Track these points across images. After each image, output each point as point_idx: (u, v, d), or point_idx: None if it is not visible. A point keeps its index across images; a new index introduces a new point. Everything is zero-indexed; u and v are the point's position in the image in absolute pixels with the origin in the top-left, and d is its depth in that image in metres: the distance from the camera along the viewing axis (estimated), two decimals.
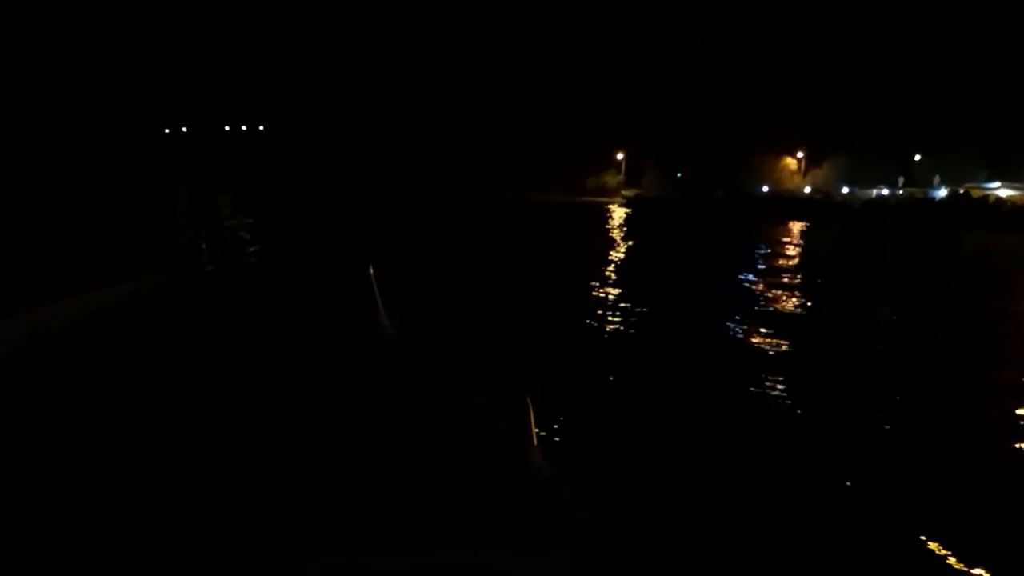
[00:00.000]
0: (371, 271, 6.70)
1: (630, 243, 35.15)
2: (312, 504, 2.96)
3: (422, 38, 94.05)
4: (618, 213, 63.21)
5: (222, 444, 3.62)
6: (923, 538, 5.47)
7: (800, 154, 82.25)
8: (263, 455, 3.46)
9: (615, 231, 41.91)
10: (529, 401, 3.33)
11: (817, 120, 79.11)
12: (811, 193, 74.52)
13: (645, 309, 15.46)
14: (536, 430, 3.34)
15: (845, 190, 73.11)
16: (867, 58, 78.84)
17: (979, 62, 73.05)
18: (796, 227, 47.68)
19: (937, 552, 5.28)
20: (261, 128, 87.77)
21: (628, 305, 15.80)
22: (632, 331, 13.39)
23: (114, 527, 2.78)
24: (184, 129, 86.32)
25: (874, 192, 72.43)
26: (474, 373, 4.60)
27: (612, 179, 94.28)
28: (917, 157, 75.02)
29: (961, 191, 62.35)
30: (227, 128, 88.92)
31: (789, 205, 64.04)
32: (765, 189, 79.22)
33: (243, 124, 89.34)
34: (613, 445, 7.23)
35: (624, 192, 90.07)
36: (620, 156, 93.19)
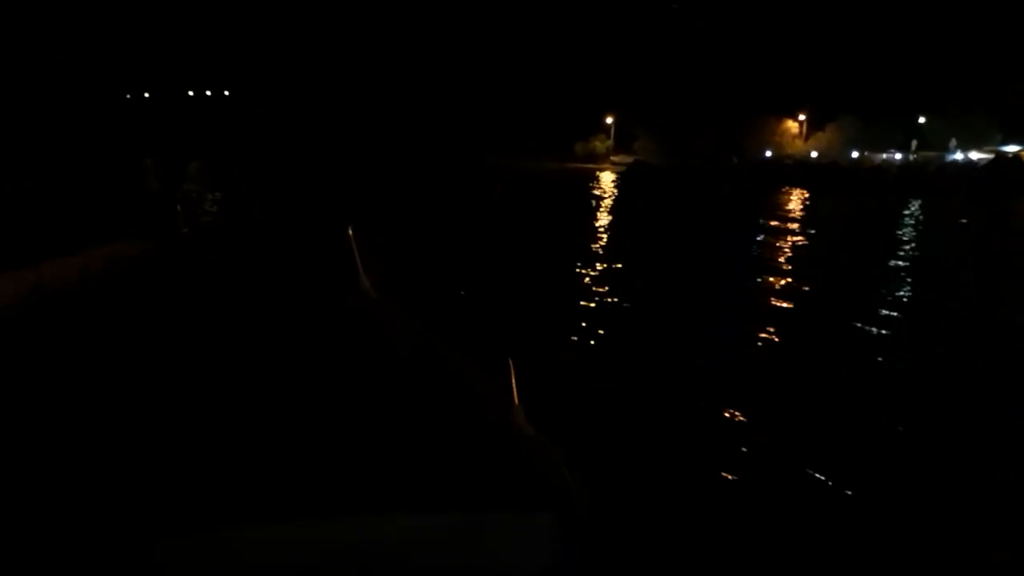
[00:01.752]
0: (350, 234, 6.42)
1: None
2: (290, 468, 2.97)
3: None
4: (608, 184, 58.37)
5: (204, 404, 3.60)
6: None
7: (802, 116, 78.20)
8: (249, 417, 3.45)
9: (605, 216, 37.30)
10: (511, 363, 3.24)
11: (820, 79, 75.20)
12: (817, 158, 70.78)
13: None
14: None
15: (854, 154, 69.59)
16: (873, 16, 74.88)
17: (990, 19, 69.66)
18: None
19: None
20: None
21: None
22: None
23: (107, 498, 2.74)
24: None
25: (883, 156, 69.10)
26: (456, 340, 4.34)
27: (600, 144, 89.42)
28: (921, 120, 71.84)
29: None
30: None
31: (804, 171, 59.71)
32: (768, 154, 75.32)
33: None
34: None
35: (614, 158, 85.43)
36: (609, 120, 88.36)
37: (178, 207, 10.03)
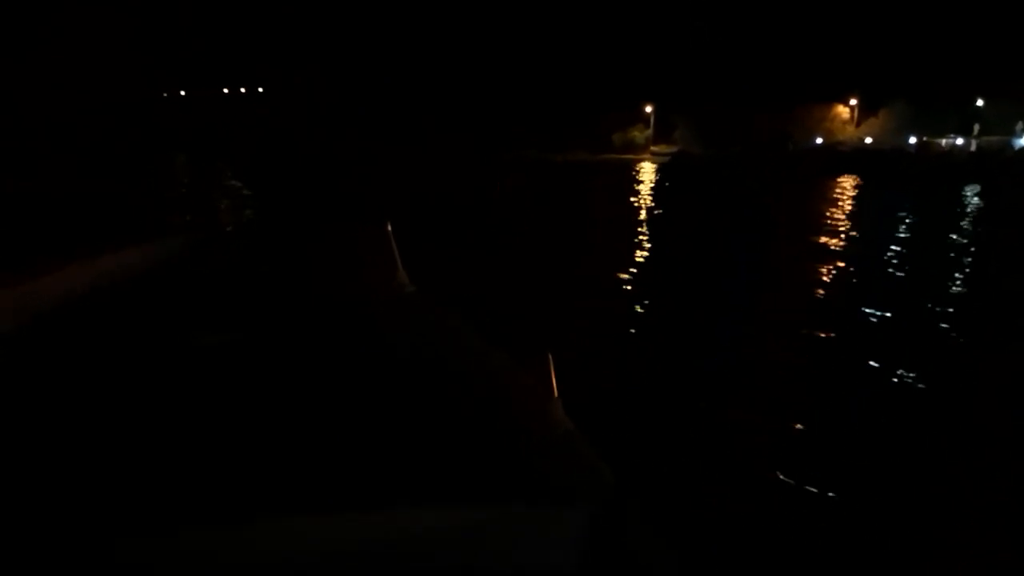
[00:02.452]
0: (388, 229, 6.41)
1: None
2: (330, 454, 2.96)
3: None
4: (648, 176, 55.13)
5: (242, 390, 3.69)
6: None
7: (853, 101, 74.50)
8: (286, 408, 3.48)
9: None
10: (550, 356, 3.14)
11: (870, 63, 71.50)
12: (872, 144, 67.10)
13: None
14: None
15: (912, 139, 65.86)
16: None
17: None
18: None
19: None
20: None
21: None
22: None
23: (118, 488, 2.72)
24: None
25: (944, 142, 65.33)
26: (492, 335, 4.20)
27: (639, 134, 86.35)
28: (980, 103, 67.83)
29: None
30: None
31: (865, 158, 55.98)
32: (819, 141, 71.82)
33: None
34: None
35: (654, 148, 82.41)
36: (649, 109, 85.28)
37: (220, 204, 10.16)
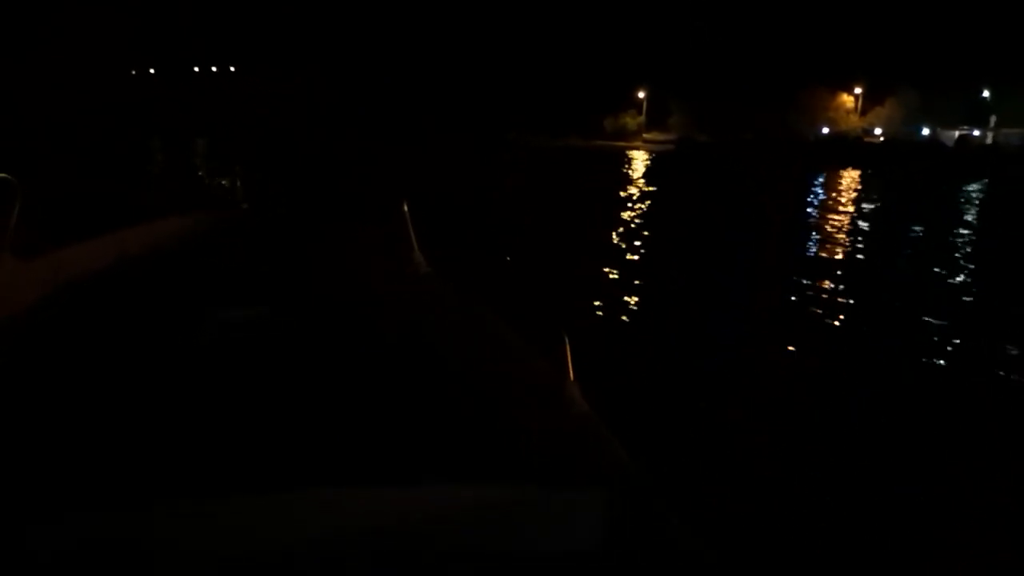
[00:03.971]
0: (405, 209, 6.17)
1: None
2: (350, 431, 2.98)
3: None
4: (643, 165, 50.70)
5: (266, 366, 3.72)
6: None
7: (858, 90, 71.32)
8: (307, 385, 3.50)
9: None
10: (566, 337, 3.01)
11: (875, 49, 68.34)
12: (882, 134, 64.02)
13: None
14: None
15: (925, 131, 62.93)
16: None
17: None
18: None
19: None
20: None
21: None
22: None
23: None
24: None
25: (956, 133, 62.48)
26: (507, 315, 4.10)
27: (632, 120, 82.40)
28: (985, 93, 65.15)
29: None
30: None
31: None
32: (826, 131, 68.57)
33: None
34: None
35: (647, 135, 78.57)
36: (642, 94, 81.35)
37: (237, 183, 11.42)
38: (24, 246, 4.71)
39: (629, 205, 24.39)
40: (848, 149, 53.40)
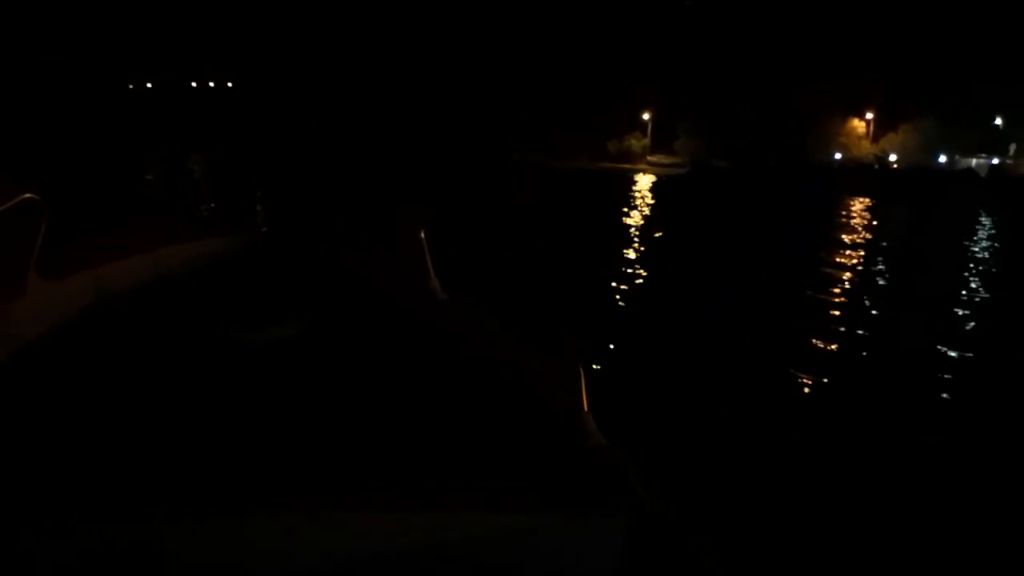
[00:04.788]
0: (422, 235, 6.19)
1: None
2: (368, 456, 3.01)
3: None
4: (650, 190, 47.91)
5: (275, 386, 3.77)
6: None
7: (869, 115, 70.15)
8: (325, 409, 3.52)
9: None
10: (581, 368, 3.14)
11: (889, 74, 67.30)
12: (896, 161, 62.67)
13: None
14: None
15: (942, 159, 61.72)
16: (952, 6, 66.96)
17: None
18: None
19: None
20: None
21: None
22: None
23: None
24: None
25: (973, 162, 61.34)
26: (524, 343, 4.06)
27: (636, 142, 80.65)
28: (998, 121, 64.22)
29: None
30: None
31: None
32: (838, 156, 67.18)
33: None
34: None
35: (651, 158, 76.86)
36: (647, 116, 79.68)
37: (258, 207, 11.75)
38: (50, 265, 4.57)
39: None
40: (876, 177, 51.71)
